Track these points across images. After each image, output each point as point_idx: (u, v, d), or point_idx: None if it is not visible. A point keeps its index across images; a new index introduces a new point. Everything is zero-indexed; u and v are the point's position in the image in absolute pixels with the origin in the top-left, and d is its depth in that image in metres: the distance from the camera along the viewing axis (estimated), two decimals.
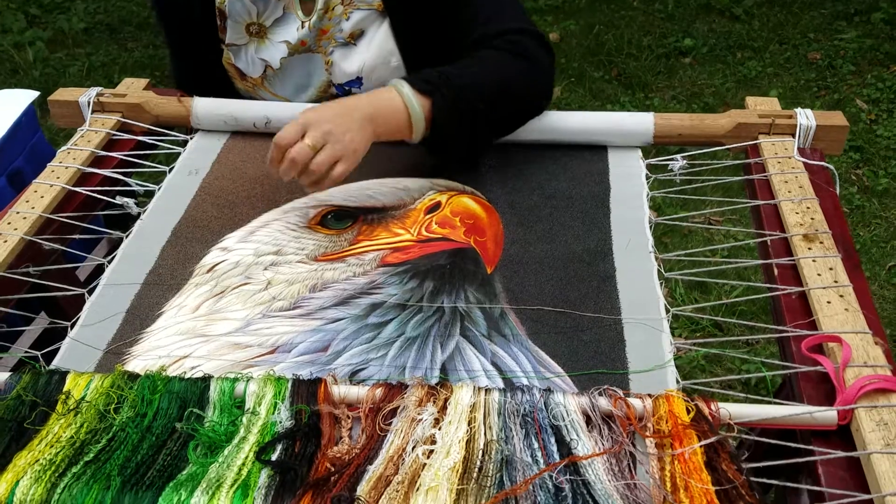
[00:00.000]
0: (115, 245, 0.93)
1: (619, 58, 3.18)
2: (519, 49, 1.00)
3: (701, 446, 0.61)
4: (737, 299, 1.56)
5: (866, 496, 0.60)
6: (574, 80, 3.07)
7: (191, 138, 1.09)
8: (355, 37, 1.08)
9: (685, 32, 3.35)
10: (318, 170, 0.88)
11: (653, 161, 1.00)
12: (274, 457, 0.63)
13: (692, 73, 3.12)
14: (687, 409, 0.64)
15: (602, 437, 0.64)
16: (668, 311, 0.79)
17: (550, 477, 0.61)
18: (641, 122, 1.01)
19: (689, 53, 3.23)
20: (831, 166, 0.96)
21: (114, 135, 1.07)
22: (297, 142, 0.87)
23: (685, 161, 0.98)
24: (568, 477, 0.61)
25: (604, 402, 0.66)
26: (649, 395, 0.66)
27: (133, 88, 1.12)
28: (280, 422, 0.66)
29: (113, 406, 0.67)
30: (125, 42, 3.46)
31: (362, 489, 0.59)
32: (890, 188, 2.34)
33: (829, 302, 0.76)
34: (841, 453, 0.63)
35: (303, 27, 1.07)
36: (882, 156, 2.49)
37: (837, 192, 0.94)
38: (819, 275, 0.79)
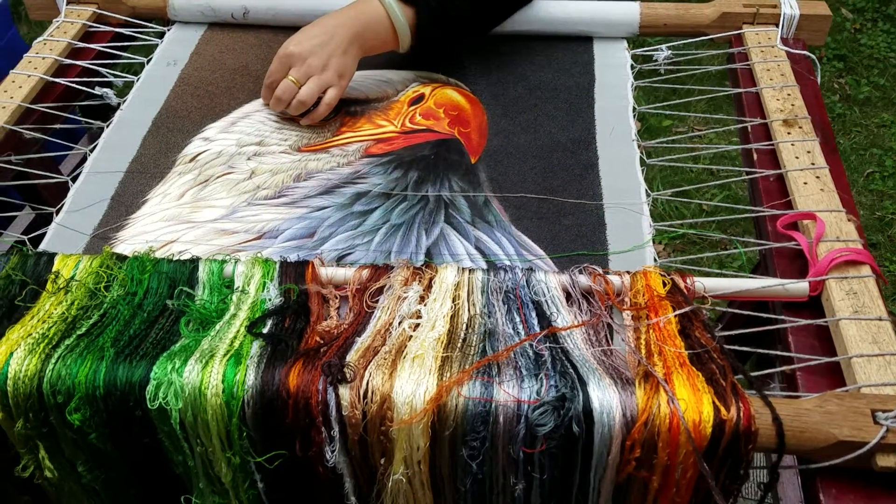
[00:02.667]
0: (95, 138, 0.93)
1: None
2: None
3: (675, 315, 0.64)
4: (713, 184, 1.58)
5: (833, 359, 0.63)
6: None
7: (168, 30, 1.07)
8: None
9: None
10: (306, 101, 0.88)
11: (638, 52, 1.00)
12: (265, 331, 0.64)
13: None
14: (663, 282, 0.66)
15: (581, 311, 0.67)
16: (648, 195, 0.81)
17: (531, 346, 0.63)
18: (627, 12, 1.00)
19: None
20: (813, 56, 0.96)
21: (90, 26, 1.04)
22: (282, 78, 0.87)
23: (670, 51, 0.97)
24: (548, 345, 0.63)
25: (583, 279, 0.68)
26: (627, 272, 0.68)
27: None
28: (269, 300, 0.68)
29: (103, 285, 0.68)
30: None
31: (351, 357, 0.61)
32: (871, 97, 2.34)
33: (805, 183, 0.78)
34: (811, 321, 0.66)
35: None
36: (865, 65, 2.49)
37: (818, 80, 0.94)
38: (797, 157, 0.81)
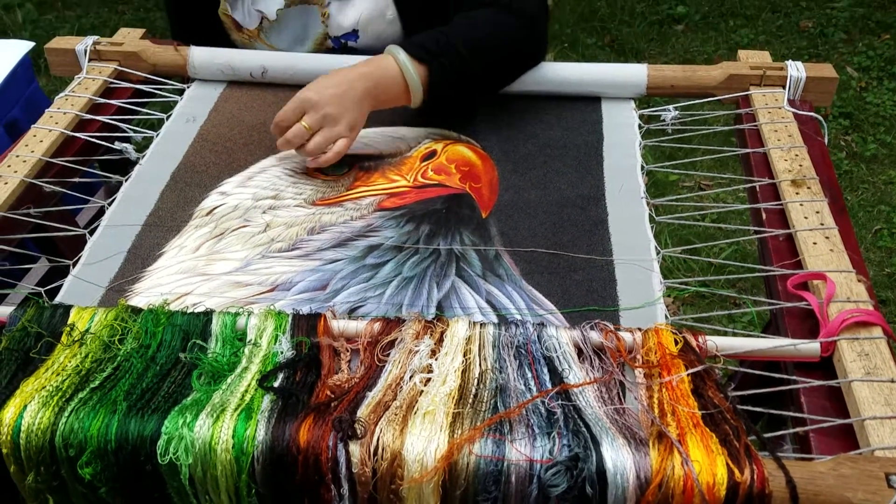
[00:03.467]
0: (113, 192, 0.94)
1: (612, 24, 3.18)
2: (513, 4, 1.00)
3: (688, 374, 0.63)
4: (723, 243, 1.59)
5: (846, 421, 0.62)
6: (567, 46, 3.07)
7: (188, 87, 1.10)
8: None
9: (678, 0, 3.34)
10: (314, 150, 0.91)
11: (646, 111, 1.02)
12: (276, 385, 0.65)
13: (684, 40, 3.12)
14: (675, 340, 0.66)
15: (593, 368, 0.67)
16: (658, 252, 0.81)
17: (543, 402, 0.63)
18: (635, 74, 1.02)
19: (681, 20, 3.23)
20: (819, 117, 0.97)
21: (111, 83, 1.07)
22: (295, 122, 0.90)
23: (677, 111, 0.99)
24: (560, 402, 0.63)
25: (595, 335, 0.68)
26: (639, 329, 0.68)
27: (130, 37, 1.13)
28: (281, 353, 0.68)
29: (117, 338, 0.68)
30: (115, 4, 3.42)
31: (362, 412, 0.61)
32: (878, 154, 2.36)
33: (814, 243, 0.78)
34: (823, 382, 0.66)
35: None
36: (871, 122, 2.52)
37: (826, 141, 0.96)
38: (806, 217, 0.81)
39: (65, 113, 1.00)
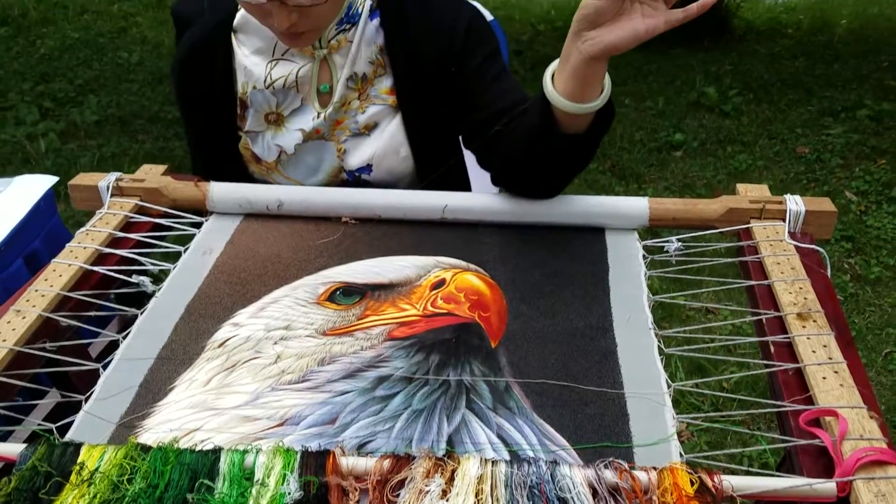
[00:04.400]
0: (126, 321, 0.96)
1: (612, 150, 3.29)
2: None
3: None
4: (734, 375, 1.57)
5: None
6: None
7: (206, 220, 1.13)
8: (369, 128, 1.14)
9: (675, 128, 3.48)
10: None
11: (649, 243, 1.04)
12: None
13: (684, 165, 3.22)
14: (691, 481, 0.66)
15: None
16: (669, 385, 0.81)
17: None
18: (637, 206, 1.06)
19: (680, 147, 3.35)
20: (822, 249, 0.99)
21: (131, 217, 1.11)
22: None
23: (680, 243, 1.02)
24: None
25: (609, 475, 0.67)
26: (654, 468, 0.67)
27: (151, 174, 1.17)
28: (289, 493, 0.67)
29: (126, 477, 0.68)
30: (136, 134, 3.58)
31: None
32: (882, 276, 2.38)
33: (824, 378, 0.78)
34: None
35: (318, 117, 1.13)
36: (873, 245, 2.55)
37: (829, 274, 0.97)
38: (814, 352, 0.82)
39: (85, 247, 1.03)
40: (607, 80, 0.95)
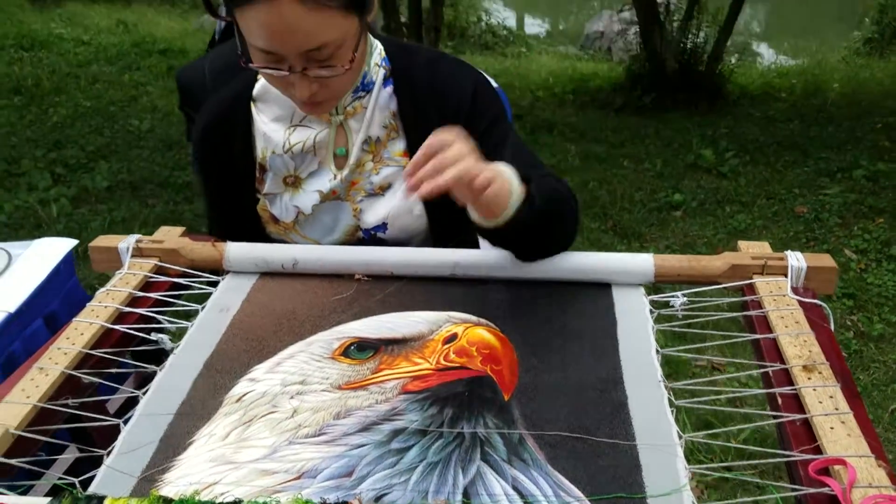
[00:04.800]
0: (145, 378, 0.98)
1: (613, 210, 3.35)
2: (567, 188, 1.12)
3: None
4: (743, 426, 1.58)
5: None
6: None
7: (222, 279, 1.16)
8: (384, 188, 1.18)
9: (674, 188, 3.55)
10: (442, 164, 0.92)
11: (655, 298, 1.07)
12: None
13: (684, 224, 3.27)
14: None
15: None
16: (680, 437, 0.83)
17: None
18: (642, 263, 1.09)
19: (679, 207, 3.41)
20: (824, 304, 1.02)
21: (150, 277, 1.14)
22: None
23: (685, 298, 1.04)
24: None
25: None
26: None
27: (170, 235, 1.21)
28: None
29: None
30: (146, 199, 3.65)
31: None
32: (885, 333, 2.40)
33: (832, 428, 0.80)
34: None
35: (335, 179, 1.18)
36: (875, 302, 2.58)
37: (832, 328, 1.00)
38: (820, 402, 0.84)
39: (105, 307, 1.06)
40: (513, 192, 0.99)
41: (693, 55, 5.15)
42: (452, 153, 0.93)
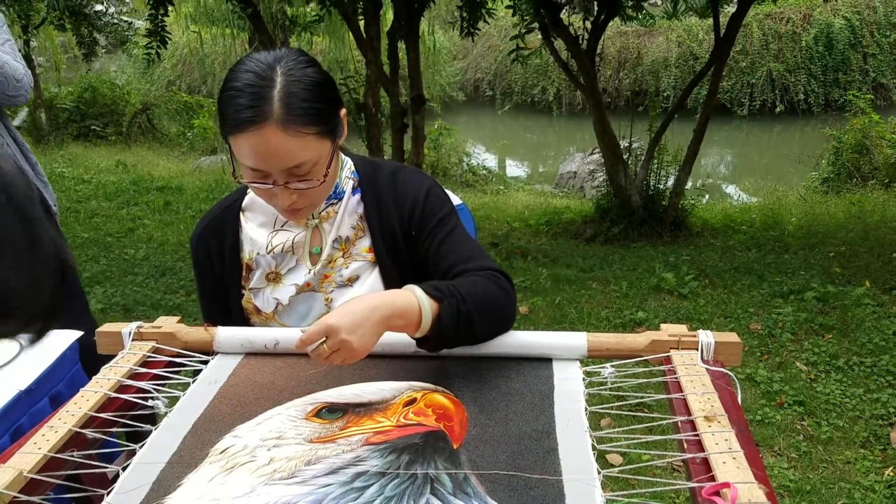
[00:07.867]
0: (141, 436, 1.12)
1: (580, 326, 3.53)
2: (496, 280, 1.29)
3: None
4: (654, 462, 1.69)
5: None
6: None
7: (212, 358, 1.32)
8: (352, 280, 1.37)
9: (638, 307, 3.75)
10: (329, 364, 1.12)
11: (588, 368, 1.24)
12: None
13: None
14: None
15: None
16: (599, 472, 0.98)
17: None
18: (577, 340, 1.27)
19: (642, 324, 3.60)
20: (730, 373, 1.19)
21: (149, 357, 1.30)
22: (318, 340, 1.11)
23: (614, 369, 1.21)
24: None
25: None
26: None
27: (167, 322, 1.38)
28: None
29: None
30: (137, 319, 3.80)
31: None
32: (833, 436, 2.53)
33: (724, 462, 0.96)
34: None
35: (309, 273, 1.37)
36: (823, 409, 2.73)
37: (738, 393, 1.16)
38: (717, 444, 0.99)
39: (108, 379, 1.21)
40: (425, 314, 1.18)
41: (656, 191, 5.53)
42: (318, 351, 1.12)
